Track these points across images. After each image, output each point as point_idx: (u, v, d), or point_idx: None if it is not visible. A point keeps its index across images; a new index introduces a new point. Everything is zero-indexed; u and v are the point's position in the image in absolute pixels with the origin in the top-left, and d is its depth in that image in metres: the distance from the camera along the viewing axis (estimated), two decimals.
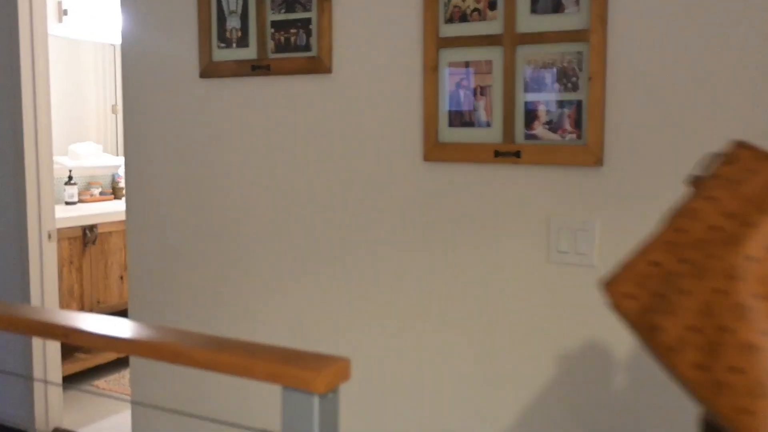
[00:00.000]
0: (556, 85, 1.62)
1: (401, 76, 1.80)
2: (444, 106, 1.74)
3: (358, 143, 1.88)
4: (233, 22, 2.01)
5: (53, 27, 3.95)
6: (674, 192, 1.58)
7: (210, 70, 2.05)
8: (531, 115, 1.65)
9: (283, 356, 0.81)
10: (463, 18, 1.71)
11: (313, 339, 2.00)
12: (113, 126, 4.41)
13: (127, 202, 2.26)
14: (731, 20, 1.48)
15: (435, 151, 1.75)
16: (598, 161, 1.58)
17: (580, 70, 1.59)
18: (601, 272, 1.62)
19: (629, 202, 1.58)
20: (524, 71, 1.65)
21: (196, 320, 2.18)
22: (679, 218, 0.99)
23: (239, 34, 2.01)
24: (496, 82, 1.68)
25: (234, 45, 2.02)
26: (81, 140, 4.23)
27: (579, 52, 1.59)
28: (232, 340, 0.87)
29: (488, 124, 1.70)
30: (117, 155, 4.38)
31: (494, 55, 1.68)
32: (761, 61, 1.46)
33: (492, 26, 1.68)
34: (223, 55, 2.04)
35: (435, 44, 1.73)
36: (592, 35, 1.56)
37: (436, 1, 1.73)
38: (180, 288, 2.19)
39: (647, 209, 1.57)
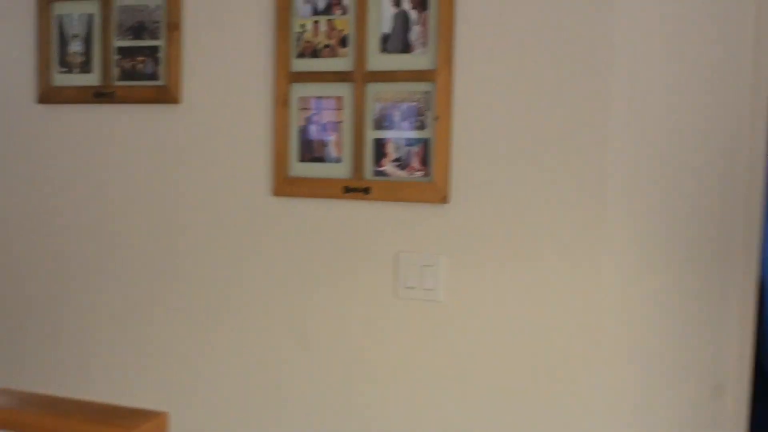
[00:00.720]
0: (405, 123, 1.64)
1: (252, 108, 1.78)
2: (294, 141, 1.73)
3: (206, 177, 1.83)
4: (76, 46, 1.91)
5: None
6: (517, 228, 1.64)
7: (49, 95, 1.94)
8: (380, 152, 1.66)
9: (96, 413, 0.76)
10: (315, 53, 1.71)
11: (160, 387, 1.91)
12: None
13: None
14: (566, 60, 1.56)
15: (285, 186, 1.73)
16: (444, 198, 1.61)
17: (428, 109, 1.62)
18: (446, 307, 1.65)
19: (474, 238, 1.62)
20: (374, 108, 1.66)
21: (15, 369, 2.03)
22: None
23: (82, 58, 1.91)
24: (346, 118, 1.69)
25: (76, 70, 1.92)
26: None
27: (427, 92, 1.62)
28: (38, 394, 0.80)
29: (338, 160, 1.70)
30: None
31: (345, 91, 1.68)
32: (588, 99, 1.55)
33: (343, 63, 1.68)
34: (63, 80, 1.93)
35: (286, 78, 1.72)
36: (439, 76, 1.60)
37: (288, 36, 1.72)
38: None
39: (491, 245, 1.61)
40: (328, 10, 1.69)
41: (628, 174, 1.63)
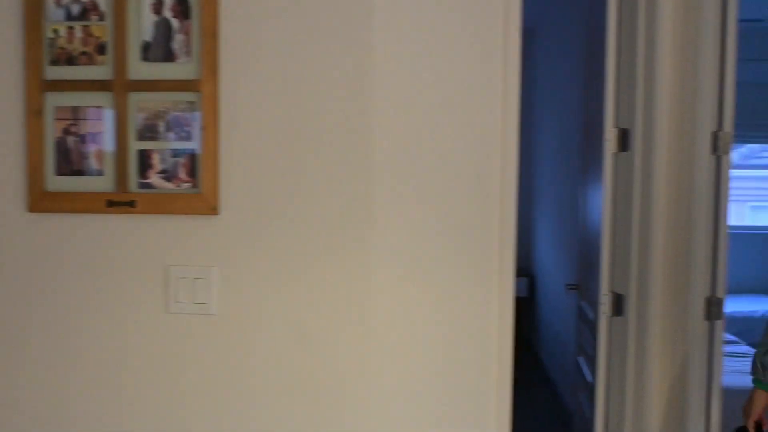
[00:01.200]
0: (171, 134, 1.60)
1: (0, 119, 1.64)
2: (51, 153, 1.62)
3: None
4: None
5: None
6: (287, 238, 1.66)
7: None
8: (145, 164, 1.61)
9: None
10: (71, 61, 1.61)
11: None
12: None
13: None
14: (331, 72, 1.60)
15: (41, 201, 1.62)
16: (214, 210, 1.59)
17: (194, 119, 1.59)
18: (220, 320, 1.63)
19: (245, 249, 1.62)
20: (137, 119, 1.60)
21: None
22: None
23: None
24: (107, 128, 1.61)
25: None
26: None
27: (192, 102, 1.59)
28: None
29: (100, 173, 1.62)
30: None
31: (105, 101, 1.61)
32: (353, 111, 1.60)
33: (102, 71, 1.61)
34: None
35: (39, 87, 1.61)
36: (204, 85, 1.58)
37: (39, 41, 1.61)
38: None
39: (262, 255, 1.62)
40: (83, 16, 1.60)
41: (393, 183, 1.70)
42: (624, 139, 2.53)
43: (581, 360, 3.22)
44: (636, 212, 2.49)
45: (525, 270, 6.54)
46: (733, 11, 2.39)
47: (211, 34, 1.56)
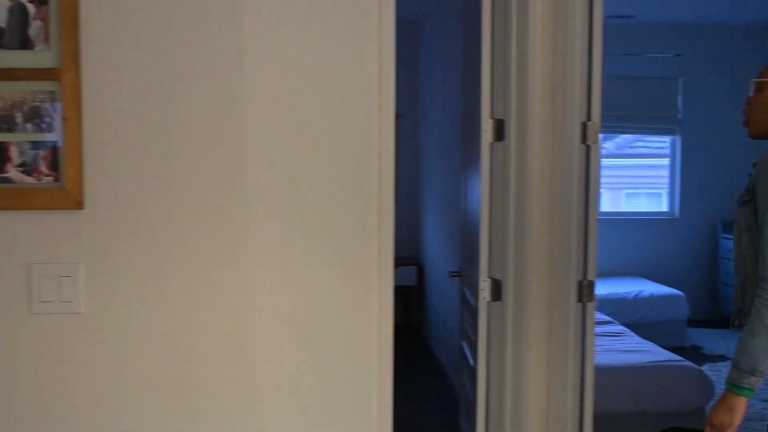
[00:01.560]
0: (30, 126, 1.52)
1: None
2: None
3: None
4: None
5: None
6: (157, 232, 1.61)
7: None
8: (2, 157, 1.52)
9: None
10: None
11: None
12: None
13: None
14: (199, 65, 1.57)
15: None
16: (79, 204, 1.53)
17: (54, 110, 1.52)
18: (88, 319, 1.57)
19: (113, 245, 1.56)
20: None
21: None
22: None
23: None
24: None
25: None
26: None
27: (52, 92, 1.52)
28: None
29: None
30: None
31: None
32: (223, 105, 1.57)
33: None
34: None
35: None
36: (65, 74, 1.51)
37: None
38: None
39: (132, 251, 1.57)
40: None
41: (267, 176, 1.69)
42: (500, 130, 2.60)
43: (465, 345, 3.30)
44: (512, 200, 2.57)
45: (413, 259, 6.64)
46: (599, 7, 2.50)
47: (71, 21, 1.50)
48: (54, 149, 1.53)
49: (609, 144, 7.07)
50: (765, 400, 4.44)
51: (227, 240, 1.62)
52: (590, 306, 2.64)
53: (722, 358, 5.56)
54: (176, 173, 1.58)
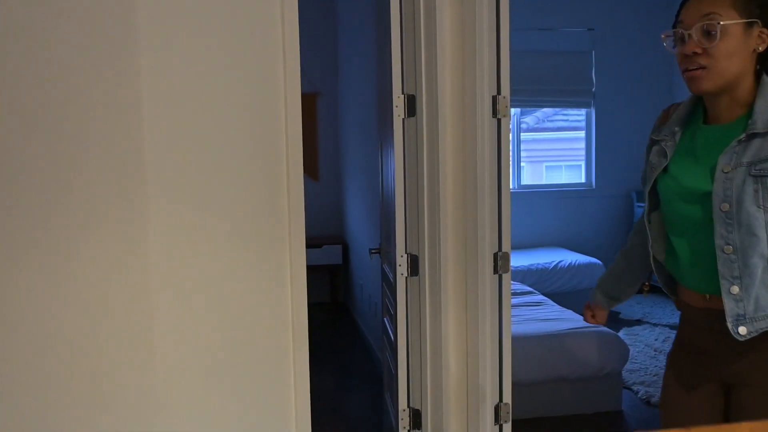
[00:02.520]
0: None
1: None
2: None
3: None
4: None
5: None
6: (57, 228, 1.56)
7: None
8: None
9: None
10: None
11: None
12: None
13: None
14: (96, 58, 1.51)
15: None
16: None
17: None
18: None
19: (14, 243, 1.51)
20: None
21: None
22: None
23: None
24: None
25: None
26: None
27: None
28: None
29: None
30: None
31: None
32: (121, 98, 1.52)
33: None
34: None
35: None
36: None
37: None
38: None
39: (34, 248, 1.51)
40: None
41: (167, 161, 1.65)
42: (411, 105, 2.61)
43: (386, 320, 3.33)
44: (425, 175, 2.59)
45: (338, 238, 6.64)
46: None
47: None
48: None
49: (529, 118, 7.19)
50: None
51: (128, 229, 1.58)
52: (506, 277, 2.69)
53: (638, 322, 5.77)
54: (75, 168, 1.52)
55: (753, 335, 1.63)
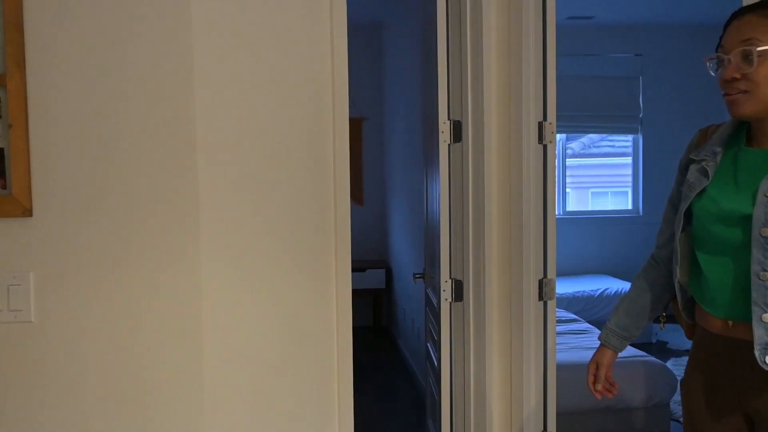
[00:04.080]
0: None
1: None
2: None
3: None
4: None
5: None
6: (107, 238, 1.60)
7: None
8: None
9: None
10: None
11: None
12: None
13: None
14: (149, 69, 1.56)
15: None
16: (27, 211, 1.52)
17: (0, 116, 1.51)
18: (38, 327, 1.55)
19: (62, 251, 1.55)
20: None
21: None
22: None
23: None
24: None
25: None
26: None
27: None
28: None
29: None
30: None
31: None
32: (173, 110, 1.57)
33: None
34: None
35: None
36: (9, 80, 1.50)
37: None
38: None
39: (82, 257, 1.56)
40: None
41: (219, 178, 1.68)
42: (457, 131, 2.62)
43: (430, 345, 3.31)
44: (470, 201, 2.59)
45: (382, 262, 6.65)
46: (552, 8, 2.53)
47: (15, 26, 1.48)
48: (0, 156, 1.51)
49: (574, 144, 7.14)
50: None
51: (178, 245, 1.61)
52: (551, 304, 2.66)
53: (687, 352, 5.65)
54: (125, 177, 1.57)
55: None
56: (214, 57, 1.64)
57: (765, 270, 1.57)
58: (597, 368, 2.07)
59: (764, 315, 1.58)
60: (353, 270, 2.11)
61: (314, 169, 1.95)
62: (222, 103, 1.67)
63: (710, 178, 1.71)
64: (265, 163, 1.81)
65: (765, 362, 1.58)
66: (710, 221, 1.70)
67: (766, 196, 1.57)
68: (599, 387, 2.07)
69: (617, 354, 2.07)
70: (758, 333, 1.59)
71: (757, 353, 1.59)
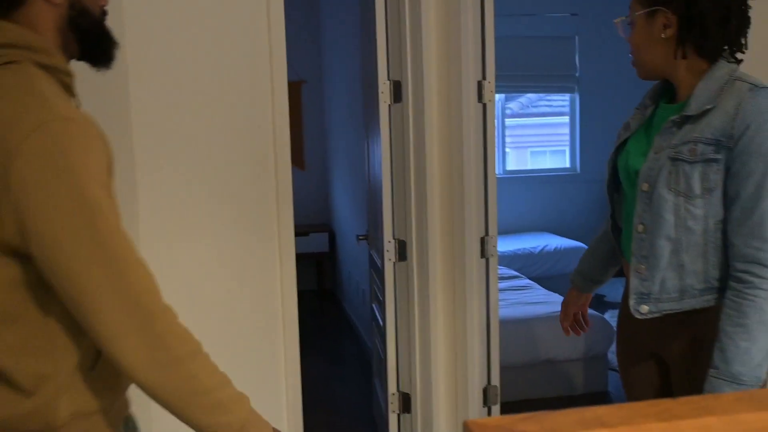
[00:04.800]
0: None
1: None
2: None
3: None
4: None
5: None
6: None
7: None
8: None
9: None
10: None
11: None
12: None
13: None
14: None
15: None
16: None
17: None
18: None
19: None
20: None
21: None
22: None
23: None
24: None
25: None
26: None
27: None
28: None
29: None
30: None
31: None
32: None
33: None
34: None
35: None
36: None
37: None
38: None
39: None
40: None
41: (158, 143, 1.66)
42: (397, 91, 2.62)
43: (375, 306, 3.35)
44: (412, 161, 2.61)
45: (325, 226, 6.65)
46: None
47: None
48: None
49: (513, 104, 7.22)
50: None
51: None
52: (492, 261, 2.72)
53: None
54: None
55: (655, 315, 1.63)
56: (147, 24, 1.60)
57: (642, 223, 1.62)
58: (566, 306, 2.14)
59: (639, 266, 1.63)
60: (296, 234, 2.10)
61: (254, 134, 1.93)
62: (157, 71, 1.64)
63: (631, 132, 1.75)
64: (201, 132, 1.79)
65: (638, 311, 1.64)
66: (622, 174, 1.75)
67: (655, 153, 1.61)
68: (565, 325, 2.15)
69: (585, 295, 2.14)
70: (633, 283, 1.65)
71: (631, 302, 1.65)
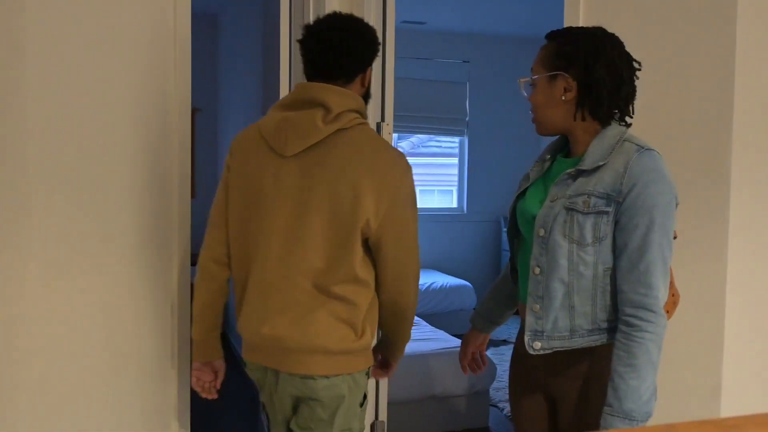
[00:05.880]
0: None
1: None
2: None
3: None
4: None
5: None
6: None
7: None
8: None
9: None
10: None
11: None
12: None
13: None
14: None
15: None
16: None
17: None
18: None
19: None
20: None
21: None
22: None
23: None
24: None
25: None
26: None
27: None
28: None
29: None
30: None
31: None
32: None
33: None
34: None
35: None
36: None
37: None
38: None
39: None
40: None
41: (50, 176, 1.62)
42: None
43: None
44: None
45: None
46: (392, 14, 2.64)
47: None
48: None
49: (404, 143, 7.39)
50: None
51: (9, 241, 1.54)
52: None
53: (504, 342, 6.03)
54: None
55: (547, 351, 1.75)
56: (49, 34, 1.58)
57: (538, 266, 1.75)
58: (465, 346, 2.22)
59: (534, 305, 1.76)
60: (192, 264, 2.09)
61: (154, 163, 1.92)
62: (56, 91, 1.61)
63: (531, 182, 1.89)
64: (101, 151, 1.76)
65: (532, 347, 1.76)
66: (520, 220, 1.88)
67: (551, 201, 1.75)
68: (464, 363, 2.23)
69: (484, 336, 2.24)
70: (529, 321, 1.77)
71: (526, 339, 1.77)
